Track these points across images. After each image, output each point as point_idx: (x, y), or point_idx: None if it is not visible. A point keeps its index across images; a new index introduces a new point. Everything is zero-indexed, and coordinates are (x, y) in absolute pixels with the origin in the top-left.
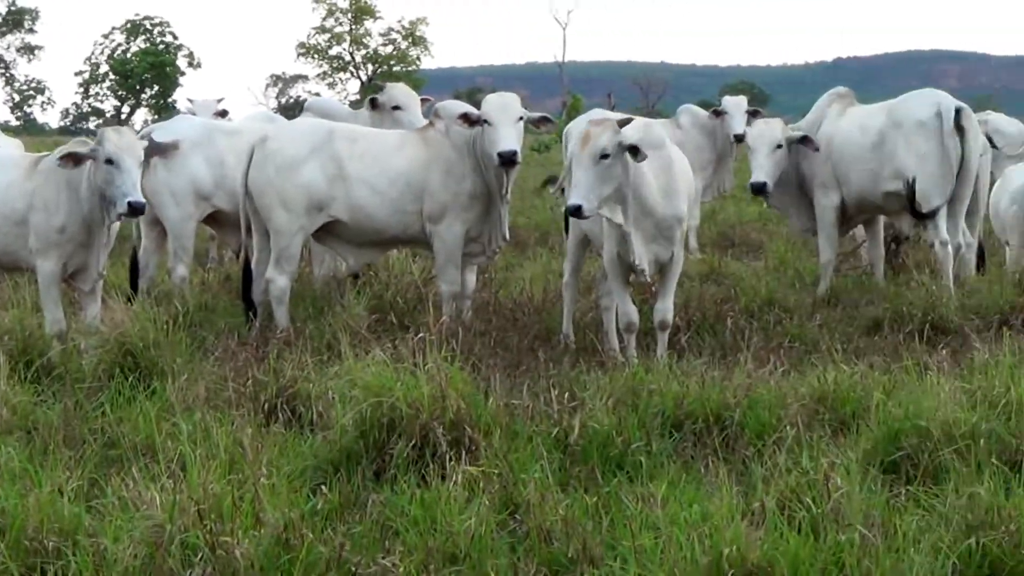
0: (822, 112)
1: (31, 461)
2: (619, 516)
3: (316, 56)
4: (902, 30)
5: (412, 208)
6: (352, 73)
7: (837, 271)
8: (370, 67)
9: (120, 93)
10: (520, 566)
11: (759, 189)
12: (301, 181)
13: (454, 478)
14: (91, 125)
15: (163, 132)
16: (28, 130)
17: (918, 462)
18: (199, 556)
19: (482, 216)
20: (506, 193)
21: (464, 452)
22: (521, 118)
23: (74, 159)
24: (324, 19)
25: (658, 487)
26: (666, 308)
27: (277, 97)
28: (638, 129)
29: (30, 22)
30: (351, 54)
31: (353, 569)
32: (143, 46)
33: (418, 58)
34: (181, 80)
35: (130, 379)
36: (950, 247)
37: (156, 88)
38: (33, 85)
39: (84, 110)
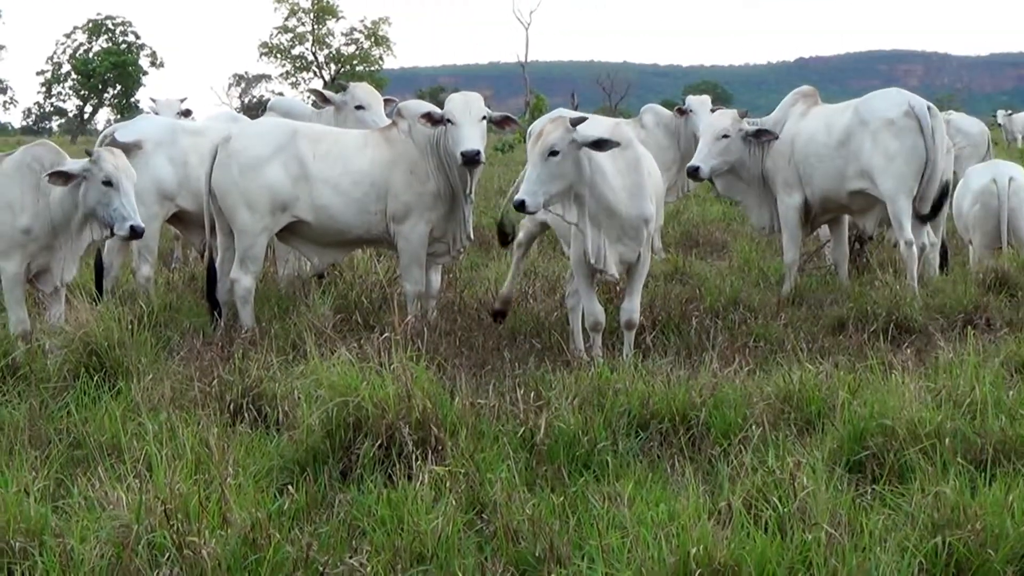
0: (786, 111)
1: None
2: (586, 515)
3: (279, 56)
4: (864, 30)
5: (376, 208)
6: (315, 73)
7: (801, 271)
8: (333, 67)
9: (82, 93)
10: (487, 565)
11: (692, 172)
12: (265, 181)
13: (421, 478)
14: (53, 125)
15: (126, 132)
16: None
17: (884, 461)
18: (166, 556)
19: (446, 216)
20: (470, 193)
21: (430, 452)
22: (484, 117)
23: (64, 178)
24: (286, 19)
25: (625, 486)
26: (633, 308)
27: (240, 97)
28: (608, 128)
29: None
30: (314, 54)
31: (320, 569)
32: (105, 45)
33: (381, 58)
34: (144, 80)
35: (95, 379)
36: (915, 247)
37: (118, 88)
38: None
39: (47, 110)
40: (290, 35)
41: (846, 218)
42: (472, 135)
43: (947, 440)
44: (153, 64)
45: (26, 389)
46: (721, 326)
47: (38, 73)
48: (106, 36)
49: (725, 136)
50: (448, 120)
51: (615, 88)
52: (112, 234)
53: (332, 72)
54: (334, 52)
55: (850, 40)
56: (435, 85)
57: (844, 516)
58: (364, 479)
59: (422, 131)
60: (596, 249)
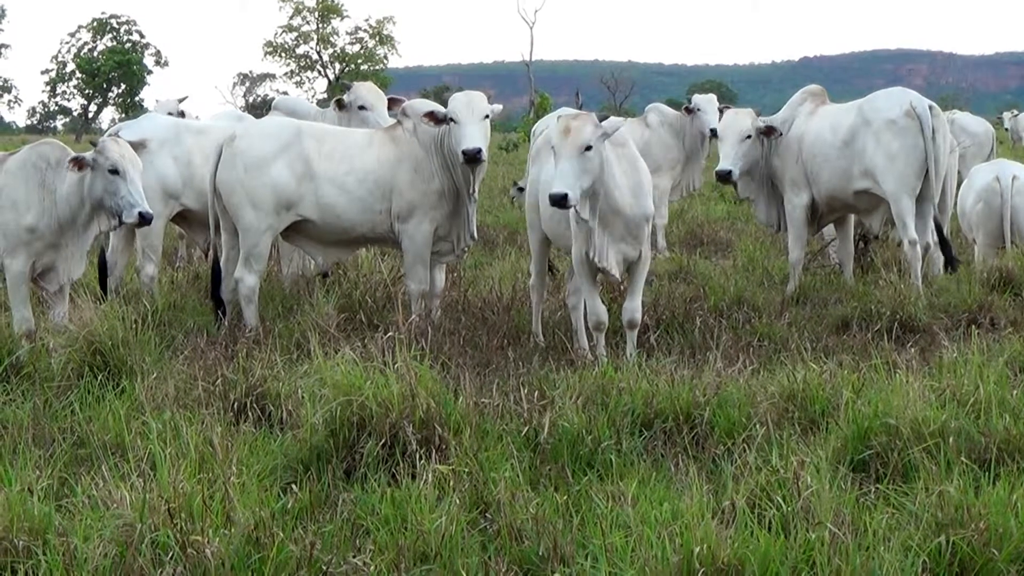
0: (794, 110)
1: (0, 460)
2: (589, 515)
3: (283, 55)
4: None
5: (380, 207)
6: (319, 72)
7: (806, 269)
8: (337, 66)
9: (87, 92)
10: (491, 565)
11: (724, 176)
12: (269, 180)
13: (424, 477)
14: (58, 124)
15: (131, 131)
16: None
17: (887, 460)
18: (169, 555)
19: (450, 215)
20: (474, 192)
21: (434, 451)
22: (487, 116)
23: (79, 164)
24: (291, 18)
25: (628, 486)
26: (635, 307)
27: (244, 96)
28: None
29: None
30: (318, 53)
31: (324, 568)
32: (110, 45)
33: (385, 57)
34: (148, 79)
35: (99, 378)
36: (919, 246)
37: (123, 87)
38: (0, 83)
39: (51, 109)
40: (295, 34)
41: (851, 217)
42: (474, 134)
43: (951, 439)
44: (158, 63)
45: (30, 388)
46: (725, 325)
47: (43, 72)
48: (111, 35)
49: (748, 136)
50: (451, 119)
51: (619, 87)
52: (120, 223)
53: (337, 71)
54: (339, 51)
55: (855, 39)
56: (440, 84)
57: (848, 515)
58: (368, 478)
59: (426, 130)
60: (600, 248)
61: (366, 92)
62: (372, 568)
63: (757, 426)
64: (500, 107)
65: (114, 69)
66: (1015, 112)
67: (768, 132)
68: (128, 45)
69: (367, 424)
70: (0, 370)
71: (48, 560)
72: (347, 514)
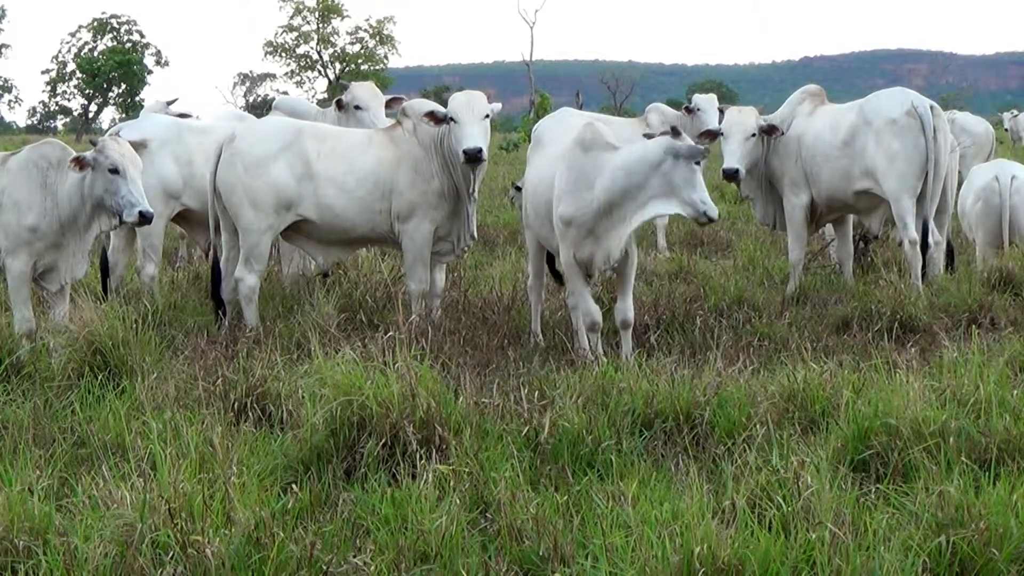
0: (793, 109)
1: (0, 460)
2: (590, 515)
3: (283, 55)
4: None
5: (380, 207)
6: (320, 72)
7: (806, 269)
8: (338, 66)
9: (87, 91)
10: (491, 564)
11: (731, 175)
12: (269, 180)
13: (425, 477)
14: (58, 124)
15: (132, 130)
16: None
17: (888, 460)
18: (170, 555)
19: (450, 215)
20: (474, 191)
21: (434, 451)
22: (487, 116)
23: (80, 164)
24: (291, 18)
25: (628, 486)
26: (626, 307)
27: (245, 96)
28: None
29: None
30: (319, 53)
31: (324, 568)
32: (110, 44)
33: (385, 57)
34: (148, 79)
35: (99, 378)
36: (919, 246)
37: (123, 87)
38: (0, 83)
39: (51, 108)
40: (295, 34)
41: (851, 217)
42: (475, 133)
43: (951, 439)
44: (158, 63)
45: (30, 388)
46: (725, 325)
47: (43, 72)
48: (111, 35)
49: (753, 135)
50: (451, 119)
51: (620, 87)
52: (121, 222)
53: (337, 71)
54: (339, 51)
55: (855, 39)
56: (440, 84)
57: (848, 515)
58: (368, 478)
59: (426, 130)
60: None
61: (362, 92)
62: (372, 568)
63: (757, 426)
64: (499, 106)
65: (114, 69)
66: (1014, 112)
67: (770, 131)
68: (128, 45)
69: (367, 424)
70: (0, 370)
71: (48, 560)
72: (347, 514)
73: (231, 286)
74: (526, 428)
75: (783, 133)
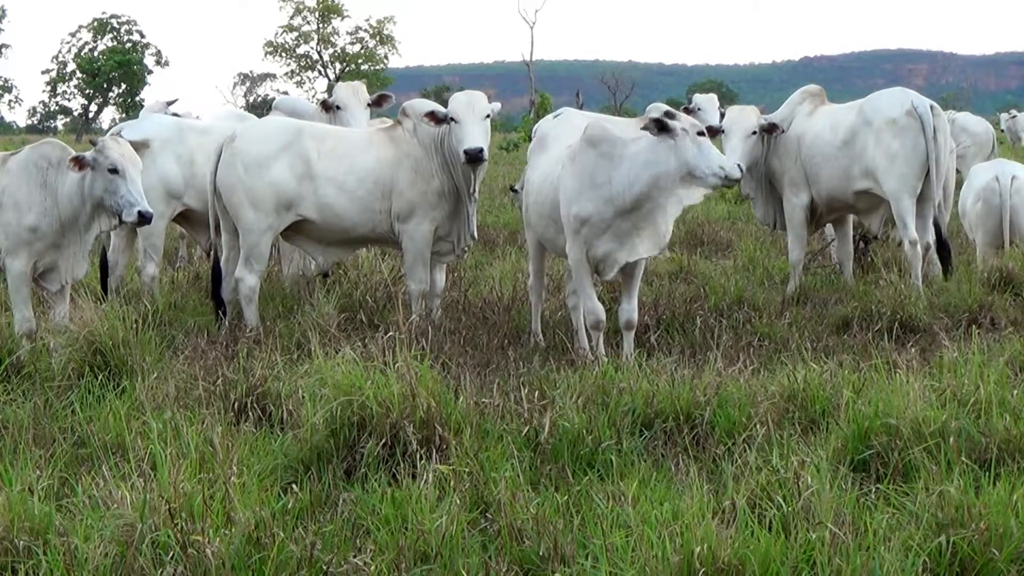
0: (793, 109)
1: (1, 460)
2: (590, 515)
3: (284, 55)
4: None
5: (380, 207)
6: (320, 72)
7: (806, 269)
8: (338, 66)
9: (87, 92)
10: (491, 564)
11: None
12: (270, 180)
13: (425, 477)
14: (59, 124)
15: (133, 130)
16: None
17: (888, 460)
18: (170, 555)
19: (450, 215)
20: (474, 191)
21: (434, 451)
22: (488, 116)
23: (79, 163)
24: (291, 18)
25: (629, 485)
26: (632, 308)
27: (245, 96)
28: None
29: None
30: (319, 53)
31: (324, 568)
32: (110, 44)
33: (386, 57)
34: (149, 79)
35: (100, 378)
36: (919, 246)
37: (124, 87)
38: (0, 84)
39: (51, 108)
40: (295, 34)
41: (851, 217)
42: (475, 133)
43: (951, 439)
44: (158, 63)
45: (31, 388)
46: (726, 325)
47: (43, 72)
48: (111, 35)
49: (754, 133)
50: (452, 119)
51: (620, 87)
52: (121, 222)
53: (337, 71)
54: (339, 51)
55: (855, 39)
56: (440, 84)
57: (848, 515)
58: (368, 478)
59: (426, 130)
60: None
61: (342, 92)
62: (372, 568)
63: (757, 426)
64: (499, 105)
65: (114, 69)
66: (1013, 113)
67: (771, 129)
68: (128, 45)
69: (367, 424)
70: (0, 370)
71: (48, 560)
72: (347, 514)
73: (231, 286)
74: (526, 428)
75: (784, 131)
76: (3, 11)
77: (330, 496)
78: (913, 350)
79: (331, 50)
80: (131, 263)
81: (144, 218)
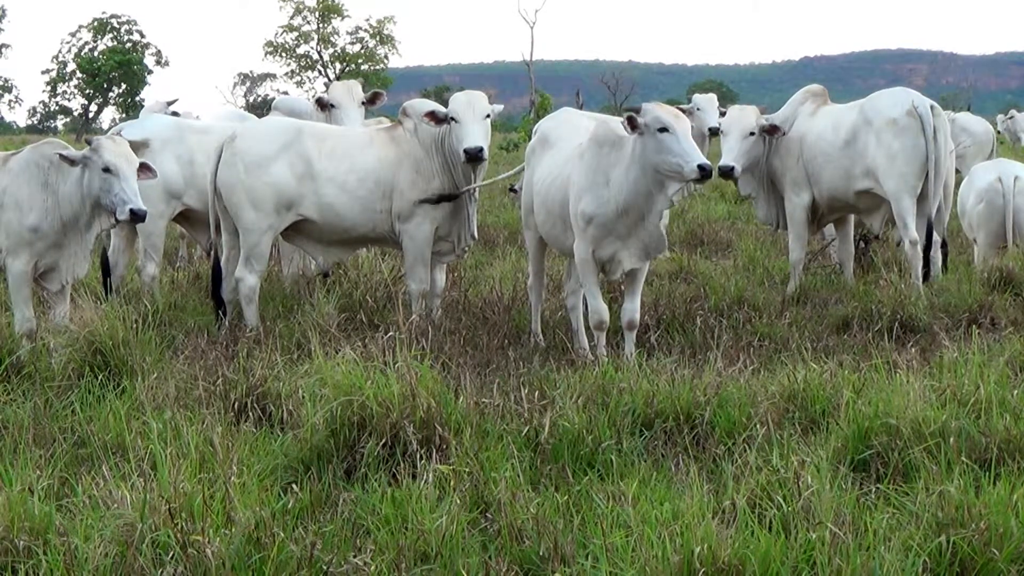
0: (795, 109)
1: (1, 460)
2: (590, 514)
3: (284, 55)
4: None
5: (381, 206)
6: (320, 72)
7: (806, 269)
8: (338, 66)
9: (88, 91)
10: (491, 564)
11: (726, 173)
12: (270, 179)
13: (425, 477)
14: (59, 124)
15: (133, 130)
16: None
17: (888, 460)
18: (170, 555)
19: (451, 215)
20: (474, 192)
21: (435, 451)
22: (488, 116)
23: (69, 161)
24: (291, 18)
25: (629, 485)
26: (634, 308)
27: (245, 95)
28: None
29: None
30: (319, 53)
31: (324, 568)
32: (110, 44)
33: (386, 56)
34: (149, 79)
35: (100, 378)
36: (919, 246)
37: (124, 87)
38: (0, 83)
39: (52, 108)
40: (295, 34)
41: (851, 217)
42: (476, 133)
43: (951, 439)
44: (158, 63)
45: (31, 388)
46: (726, 325)
47: (43, 72)
48: (111, 35)
49: (752, 133)
50: (452, 118)
51: (620, 87)
52: (117, 221)
53: (337, 71)
54: (339, 51)
55: (855, 39)
56: (440, 84)
57: (848, 515)
58: (368, 478)
59: (427, 130)
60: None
61: (335, 90)
62: (372, 568)
63: (757, 426)
64: (501, 107)
65: (115, 69)
66: (1012, 114)
67: (771, 130)
68: (129, 45)
69: (368, 424)
70: (0, 370)
71: (49, 560)
72: (347, 514)
73: (231, 286)
74: (526, 428)
75: (784, 133)
76: (3, 11)
77: (330, 496)
78: (913, 350)
79: (331, 50)
80: (131, 263)
81: (136, 215)
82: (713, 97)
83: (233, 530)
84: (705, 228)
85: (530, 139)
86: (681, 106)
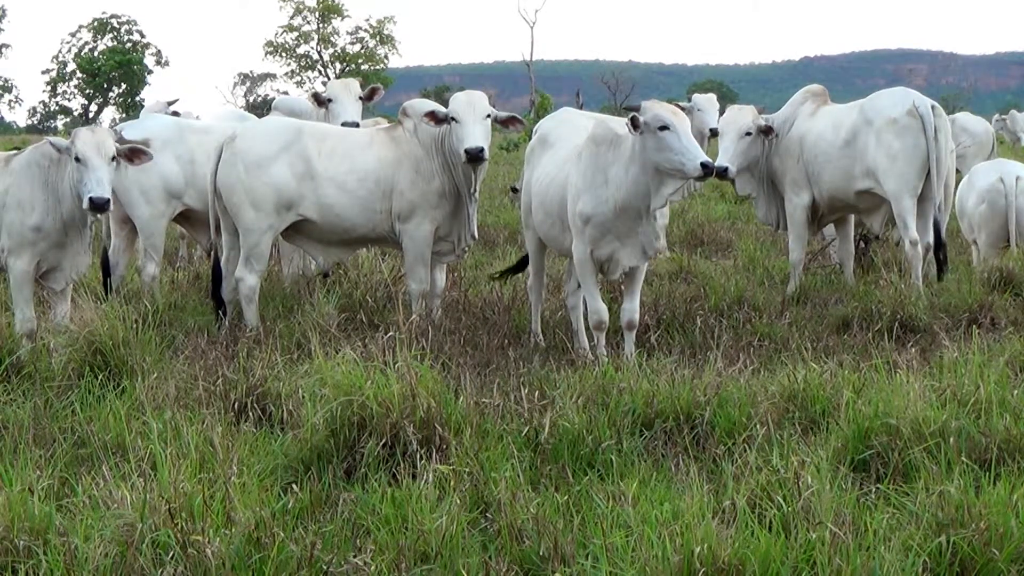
0: (795, 109)
1: (1, 460)
2: (590, 515)
3: (284, 55)
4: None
5: (381, 207)
6: (320, 72)
7: (807, 269)
8: (338, 66)
9: (88, 91)
10: (491, 564)
11: (720, 173)
12: (270, 180)
13: (425, 477)
14: (59, 124)
15: (133, 130)
16: None
17: (888, 460)
18: (170, 555)
19: (451, 215)
20: (474, 191)
21: (435, 451)
22: (488, 116)
23: (56, 149)
24: (292, 18)
25: (629, 485)
26: (633, 308)
27: (245, 96)
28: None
29: None
30: (319, 52)
31: (324, 568)
32: (110, 44)
33: (386, 56)
34: (149, 79)
35: (100, 378)
36: (920, 246)
37: (124, 87)
38: (0, 84)
39: (52, 108)
40: (295, 34)
41: (852, 217)
42: (476, 133)
43: (951, 439)
44: (158, 63)
45: (31, 388)
46: (726, 325)
47: (43, 72)
48: (111, 35)
49: (748, 133)
50: (452, 118)
51: (620, 87)
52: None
53: (337, 71)
54: (339, 51)
55: (855, 39)
56: (440, 84)
57: (848, 515)
58: (368, 478)
59: (427, 130)
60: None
61: (333, 86)
62: (372, 568)
63: (757, 426)
64: (502, 114)
65: (115, 69)
66: (1003, 117)
67: (767, 132)
68: (129, 45)
69: (368, 424)
70: (1, 370)
71: (49, 560)
72: (347, 514)
73: (231, 286)
74: (526, 428)
75: (777, 136)
76: (3, 11)
77: (330, 496)
78: (913, 350)
79: (331, 50)
80: (131, 263)
81: (95, 204)
82: (713, 97)
83: (233, 530)
84: (705, 228)
85: (530, 139)
86: (680, 103)
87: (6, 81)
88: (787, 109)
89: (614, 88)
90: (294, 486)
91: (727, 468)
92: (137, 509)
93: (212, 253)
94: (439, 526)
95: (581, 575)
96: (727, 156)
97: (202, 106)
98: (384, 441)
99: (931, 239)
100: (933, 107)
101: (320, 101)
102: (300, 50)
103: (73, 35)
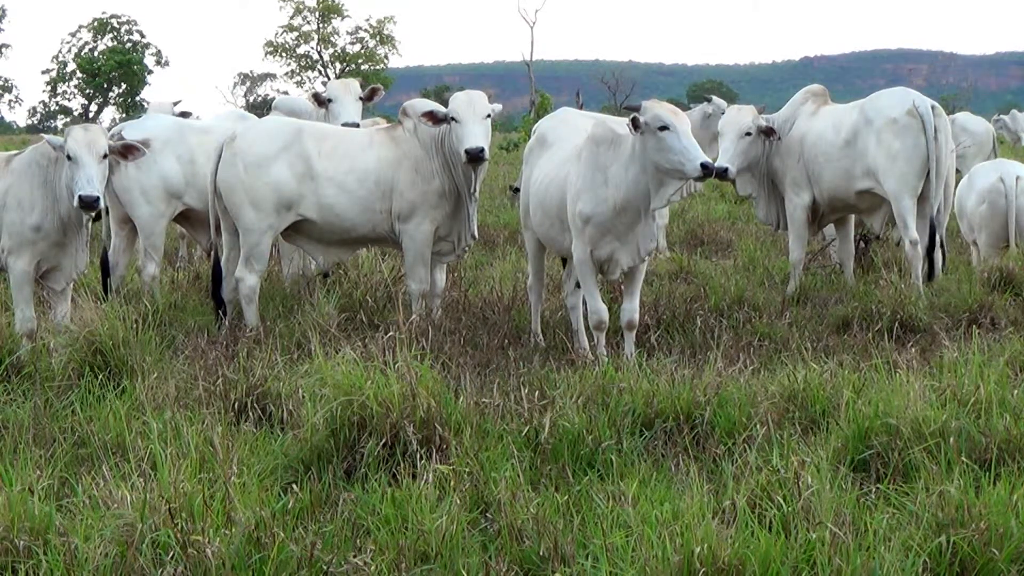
0: (796, 109)
1: (1, 460)
2: (590, 514)
3: (284, 55)
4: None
5: (381, 207)
6: (320, 72)
7: (807, 269)
8: (338, 66)
9: (88, 91)
10: (491, 564)
11: (721, 174)
12: (270, 180)
13: (425, 477)
14: (59, 123)
15: (134, 130)
16: None
17: (888, 460)
18: (170, 555)
19: (451, 215)
20: (474, 191)
21: (435, 451)
22: (488, 115)
23: (52, 146)
24: (292, 18)
25: (629, 485)
26: (633, 308)
27: (245, 95)
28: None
29: None
30: (319, 52)
31: (324, 568)
32: (110, 44)
33: (386, 56)
34: (149, 79)
35: (100, 378)
36: (920, 246)
37: (124, 87)
38: (0, 83)
39: (52, 108)
40: (295, 34)
41: (852, 217)
42: (476, 133)
43: (951, 439)
44: (158, 63)
45: (31, 388)
46: (726, 325)
47: (43, 72)
48: (111, 35)
49: (748, 134)
50: (452, 118)
51: (620, 87)
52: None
53: (337, 71)
54: (339, 51)
55: (856, 39)
56: (440, 84)
57: (848, 515)
58: (368, 478)
59: (427, 130)
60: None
61: (333, 85)
62: (373, 568)
63: (757, 426)
64: (500, 107)
65: (115, 69)
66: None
67: (767, 132)
68: (129, 45)
69: (368, 424)
70: (1, 370)
71: (49, 560)
72: (348, 514)
73: (231, 286)
74: (526, 428)
75: (779, 138)
76: (3, 11)
77: (330, 496)
78: (913, 350)
79: (331, 50)
80: (131, 263)
81: (84, 202)
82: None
83: (233, 530)
84: (705, 228)
85: (530, 139)
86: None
87: (6, 81)
88: (787, 109)
89: (614, 88)
90: (294, 486)
91: (727, 468)
92: (137, 509)
93: (212, 253)
94: (439, 526)
95: (581, 575)
96: (727, 156)
97: (202, 106)
98: (384, 441)
99: (936, 238)
100: (933, 107)
101: (320, 101)
102: (300, 50)
103: (73, 35)
